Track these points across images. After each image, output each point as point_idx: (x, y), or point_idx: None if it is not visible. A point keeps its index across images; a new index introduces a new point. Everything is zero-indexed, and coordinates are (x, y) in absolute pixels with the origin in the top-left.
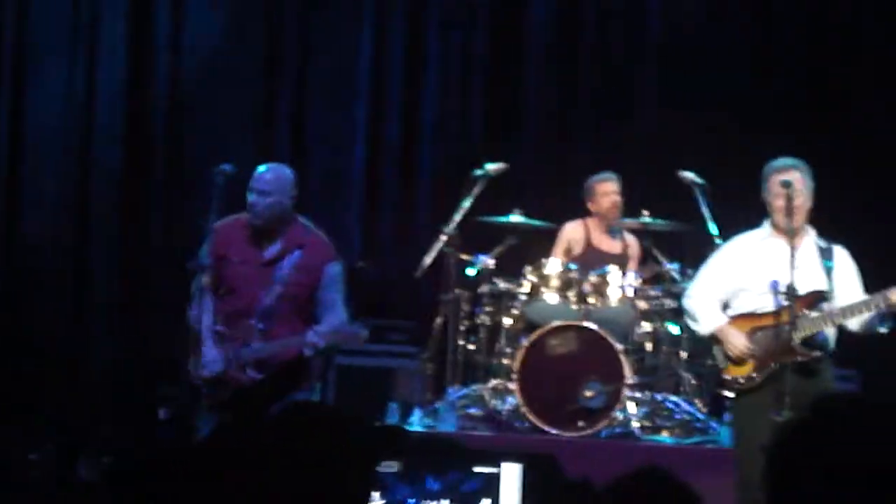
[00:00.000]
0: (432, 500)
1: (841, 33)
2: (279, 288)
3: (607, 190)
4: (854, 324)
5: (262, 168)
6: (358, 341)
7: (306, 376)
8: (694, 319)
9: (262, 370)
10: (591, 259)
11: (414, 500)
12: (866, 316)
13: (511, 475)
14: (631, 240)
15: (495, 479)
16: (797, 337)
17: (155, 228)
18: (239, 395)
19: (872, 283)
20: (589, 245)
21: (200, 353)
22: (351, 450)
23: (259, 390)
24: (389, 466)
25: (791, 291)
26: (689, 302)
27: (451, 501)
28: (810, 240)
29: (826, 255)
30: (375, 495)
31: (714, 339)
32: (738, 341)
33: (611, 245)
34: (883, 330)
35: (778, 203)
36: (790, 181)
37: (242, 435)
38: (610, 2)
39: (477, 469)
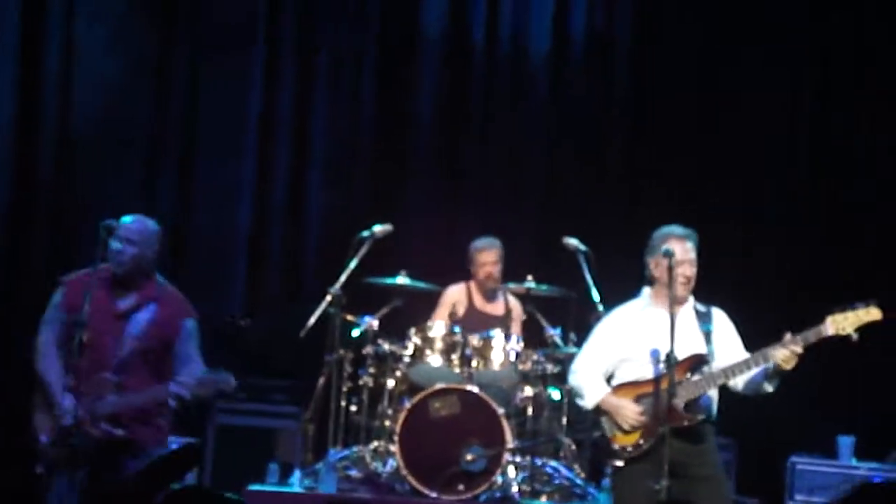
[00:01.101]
0: None
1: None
2: (134, 342)
3: (484, 260)
4: (740, 384)
5: (127, 218)
6: (226, 389)
7: (159, 433)
8: (580, 395)
9: (117, 425)
10: (474, 321)
11: None
12: (750, 375)
13: None
14: (514, 302)
15: None
16: (680, 401)
17: (36, 275)
18: (117, 489)
19: (752, 343)
20: (472, 307)
21: (46, 407)
22: None
23: (137, 484)
24: None
25: (671, 357)
26: (573, 377)
27: None
28: (688, 305)
29: (704, 318)
30: None
31: (600, 411)
32: (628, 410)
33: (493, 307)
34: (769, 388)
35: (659, 272)
36: (671, 250)
37: None
38: (497, 68)
39: None
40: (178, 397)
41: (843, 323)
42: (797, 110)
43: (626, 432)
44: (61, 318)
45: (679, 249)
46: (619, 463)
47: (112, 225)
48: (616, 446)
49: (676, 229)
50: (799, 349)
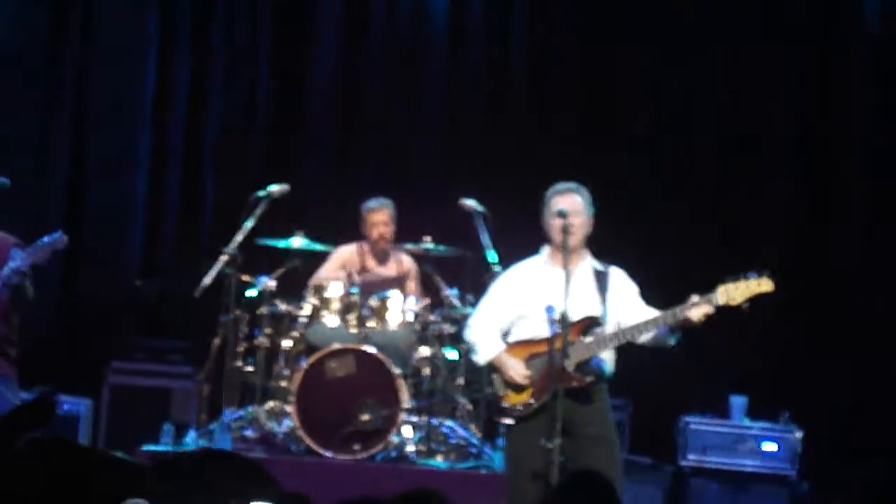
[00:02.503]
0: None
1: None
2: None
3: (376, 220)
4: (644, 339)
5: None
6: (60, 245)
7: (6, 360)
8: (473, 350)
9: None
10: (367, 282)
11: None
12: (655, 331)
13: None
14: (408, 262)
15: None
16: (570, 363)
17: None
18: None
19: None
20: (363, 267)
21: None
22: (95, 489)
23: None
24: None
25: (564, 318)
26: (468, 332)
27: None
28: (586, 264)
29: (601, 278)
30: None
31: (493, 368)
32: (515, 369)
33: (386, 269)
34: (672, 342)
35: (554, 230)
36: (565, 210)
37: None
38: (393, 31)
39: None
40: (17, 271)
41: (733, 293)
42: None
43: (515, 391)
44: None
45: (559, 202)
46: (510, 421)
47: (2, 183)
48: (506, 404)
49: (561, 185)
50: (710, 310)
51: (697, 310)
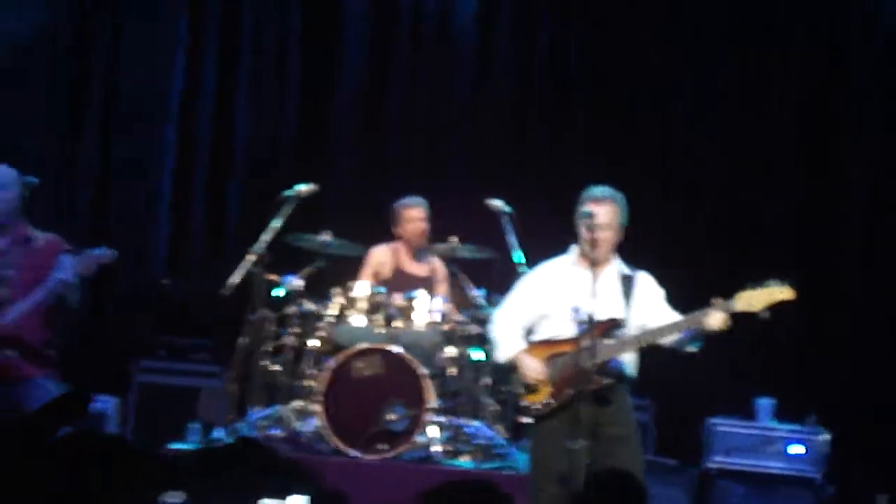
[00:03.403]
0: None
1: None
2: (11, 273)
3: (413, 216)
4: (666, 342)
5: None
6: (107, 260)
7: (46, 362)
8: (495, 346)
9: (10, 346)
10: (399, 282)
11: None
12: (677, 336)
13: None
14: (438, 264)
15: None
16: (591, 364)
17: None
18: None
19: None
20: (397, 268)
21: None
22: (131, 480)
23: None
24: (173, 497)
25: (590, 319)
26: (492, 328)
27: None
28: (613, 268)
29: (627, 282)
30: None
31: (513, 367)
32: (531, 367)
33: (418, 269)
34: (692, 349)
35: (582, 232)
36: (591, 212)
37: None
38: (421, 29)
39: (264, 502)
40: (63, 282)
41: (753, 300)
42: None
43: (533, 390)
44: None
45: (596, 211)
46: (528, 420)
47: (31, 182)
48: (525, 403)
49: (595, 191)
50: (728, 317)
51: (717, 316)
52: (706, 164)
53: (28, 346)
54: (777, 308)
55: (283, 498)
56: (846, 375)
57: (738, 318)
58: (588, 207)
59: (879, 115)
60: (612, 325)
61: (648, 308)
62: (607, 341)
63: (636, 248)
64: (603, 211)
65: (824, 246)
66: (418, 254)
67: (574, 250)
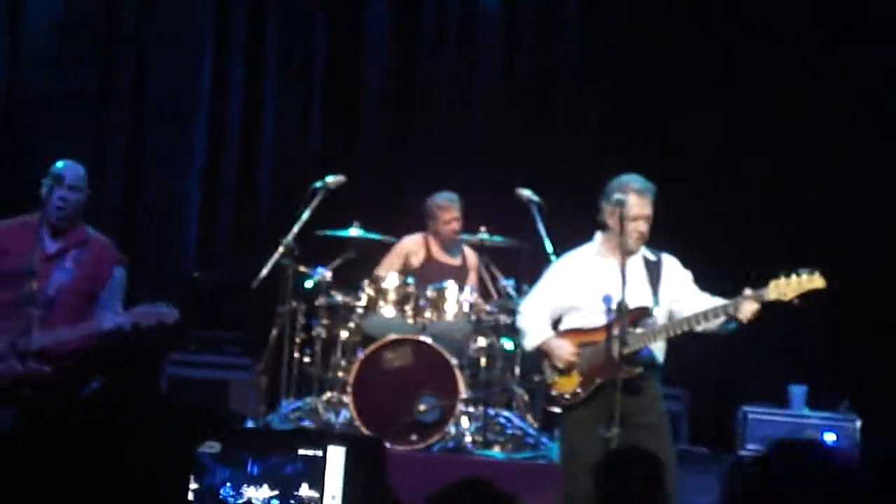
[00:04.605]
0: (251, 484)
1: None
2: (63, 279)
3: (448, 218)
4: (698, 329)
5: (67, 163)
6: (167, 320)
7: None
8: (523, 335)
9: (45, 361)
10: (431, 271)
11: (231, 485)
12: (707, 324)
13: (335, 458)
14: (470, 254)
15: (319, 462)
16: (622, 353)
17: None
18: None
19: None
20: (429, 257)
21: None
22: (168, 430)
23: (62, 383)
24: (210, 447)
25: (622, 307)
26: (519, 318)
27: (271, 485)
28: (638, 254)
29: (653, 268)
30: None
31: (542, 354)
32: (562, 348)
33: (450, 258)
34: (729, 329)
35: (613, 221)
36: (624, 200)
37: (52, 419)
38: (445, 23)
39: (301, 452)
40: (118, 327)
41: (784, 289)
42: (749, 54)
43: (564, 377)
44: None
45: (635, 203)
46: (557, 409)
47: (59, 172)
48: (554, 392)
49: (636, 182)
50: (758, 306)
51: (748, 305)
52: (729, 152)
53: (64, 360)
54: (808, 296)
55: (321, 448)
56: (878, 362)
57: (769, 306)
58: (629, 197)
59: None
60: (641, 314)
61: (677, 291)
62: (637, 330)
63: (661, 235)
64: (646, 203)
65: (856, 231)
66: (450, 243)
67: (598, 237)
